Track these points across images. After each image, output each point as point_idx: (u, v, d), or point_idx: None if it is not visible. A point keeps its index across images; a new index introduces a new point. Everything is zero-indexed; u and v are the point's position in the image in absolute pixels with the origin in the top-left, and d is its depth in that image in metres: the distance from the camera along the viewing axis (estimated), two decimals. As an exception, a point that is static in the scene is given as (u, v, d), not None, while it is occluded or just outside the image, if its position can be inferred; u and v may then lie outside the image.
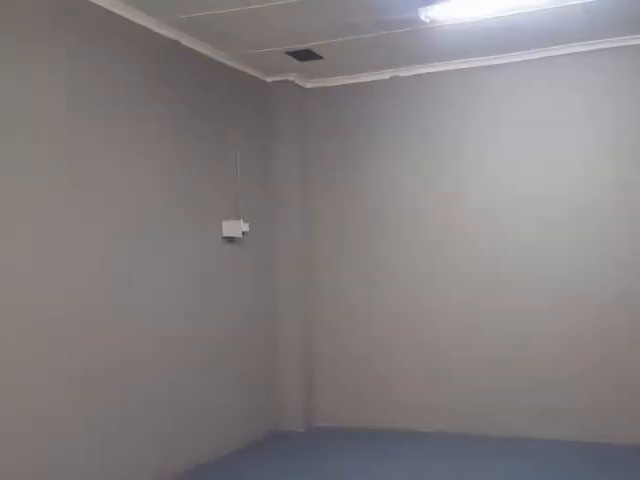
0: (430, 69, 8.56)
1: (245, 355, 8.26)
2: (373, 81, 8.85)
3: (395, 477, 6.86)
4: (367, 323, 8.87)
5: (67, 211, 5.74)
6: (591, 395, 7.81)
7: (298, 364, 8.86)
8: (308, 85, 9.09)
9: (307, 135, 9.14)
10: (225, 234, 7.88)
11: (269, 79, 8.83)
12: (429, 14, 6.68)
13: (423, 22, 6.88)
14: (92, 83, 6.06)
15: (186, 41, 7.30)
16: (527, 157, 8.16)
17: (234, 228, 7.96)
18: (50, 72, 5.64)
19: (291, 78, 8.77)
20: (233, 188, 8.11)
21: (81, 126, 5.92)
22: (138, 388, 6.47)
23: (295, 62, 8.26)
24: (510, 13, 6.86)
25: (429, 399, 8.55)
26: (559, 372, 7.95)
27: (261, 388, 8.59)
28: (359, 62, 8.43)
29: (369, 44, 7.71)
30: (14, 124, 5.30)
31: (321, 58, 8.15)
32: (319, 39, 7.55)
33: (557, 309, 7.98)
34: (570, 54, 7.97)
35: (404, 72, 8.68)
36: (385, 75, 8.77)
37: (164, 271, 6.91)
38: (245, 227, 8.09)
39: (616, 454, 7.31)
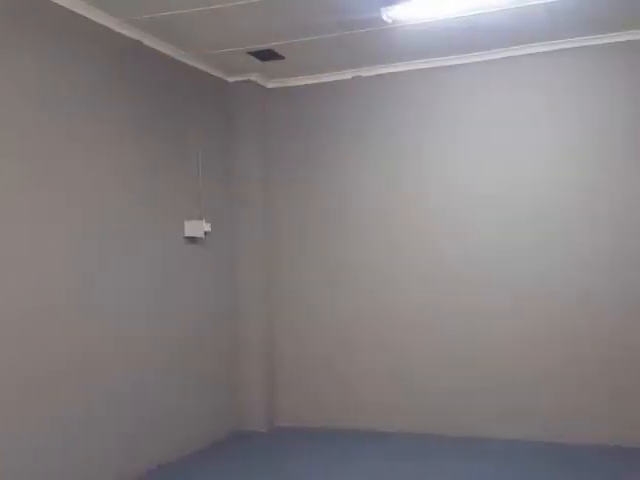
0: (392, 69, 8.60)
1: (207, 355, 8.30)
2: (335, 81, 8.88)
3: (356, 477, 6.93)
4: (329, 323, 8.92)
5: (29, 211, 5.77)
6: (553, 395, 7.88)
7: (260, 364, 8.90)
8: (270, 85, 9.12)
9: (269, 135, 9.16)
10: (187, 234, 7.92)
11: (231, 79, 8.87)
12: (391, 14, 6.72)
13: (385, 22, 6.93)
14: (54, 83, 6.10)
15: (148, 41, 7.33)
16: (488, 157, 8.20)
17: (196, 228, 8.00)
18: (12, 72, 5.66)
19: (253, 78, 8.80)
20: (195, 188, 8.15)
21: (43, 126, 5.95)
22: (101, 388, 6.52)
23: (257, 62, 8.29)
24: (471, 13, 6.91)
25: (391, 399, 8.59)
26: (520, 372, 8.01)
27: (223, 388, 8.63)
28: (321, 62, 8.46)
29: (331, 44, 7.74)
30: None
31: (283, 58, 8.18)
32: (281, 39, 7.58)
33: (518, 309, 8.04)
34: (532, 54, 8.02)
35: (366, 72, 8.72)
36: (347, 75, 8.80)
37: (126, 271, 6.95)
38: (207, 227, 8.13)
39: (578, 454, 7.38)
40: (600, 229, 7.73)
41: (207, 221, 8.16)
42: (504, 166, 8.14)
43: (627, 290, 7.62)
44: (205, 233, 8.15)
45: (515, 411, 8.03)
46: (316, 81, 8.98)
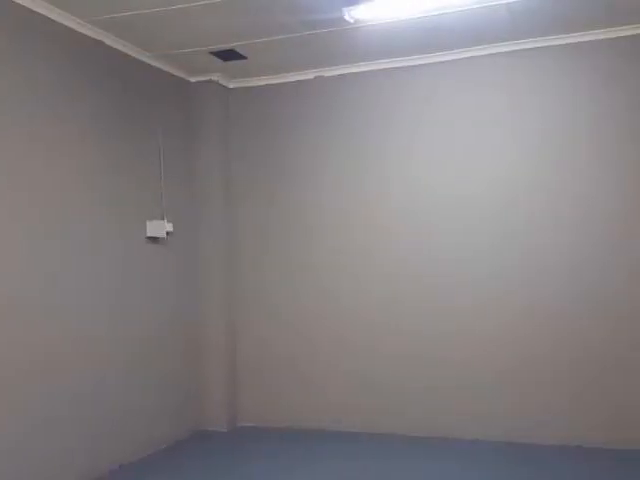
0: (354, 69, 8.62)
1: (169, 355, 8.35)
2: (297, 81, 8.91)
3: (318, 477, 6.97)
4: (291, 323, 8.96)
5: (-9, 211, 5.80)
6: (515, 396, 7.95)
7: (222, 364, 8.95)
8: (232, 85, 9.15)
9: (231, 135, 9.20)
10: (149, 234, 7.96)
11: (193, 79, 8.90)
12: (353, 14, 6.77)
13: (347, 22, 6.97)
14: (16, 83, 6.14)
15: (110, 41, 7.35)
16: (451, 157, 8.23)
17: (158, 228, 8.03)
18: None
19: (215, 78, 8.84)
20: (157, 188, 8.19)
21: (4, 126, 5.99)
22: (62, 388, 6.56)
23: (219, 62, 8.31)
24: (434, 13, 6.94)
25: (353, 399, 8.65)
26: (483, 372, 8.08)
27: (185, 388, 8.68)
28: (283, 62, 8.49)
29: (293, 44, 7.77)
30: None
31: (245, 58, 8.20)
32: (243, 39, 7.61)
33: (480, 309, 8.09)
34: (494, 54, 8.06)
35: (328, 72, 8.75)
36: (309, 75, 8.84)
37: (88, 271, 6.99)
38: (169, 227, 8.17)
39: (539, 454, 7.44)
40: (562, 229, 7.79)
41: (169, 221, 8.20)
42: (467, 166, 8.17)
43: (588, 290, 7.70)
44: (167, 233, 8.18)
45: (478, 411, 8.09)
46: (278, 81, 9.00)
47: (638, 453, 7.34)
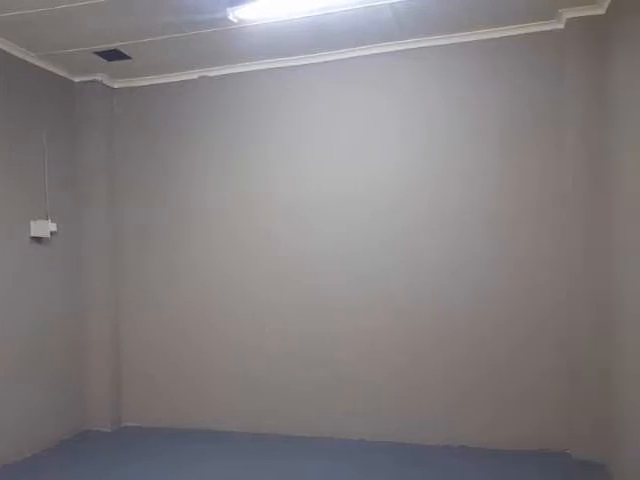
0: (239, 69, 8.75)
1: (54, 355, 8.43)
2: (182, 81, 9.03)
3: (202, 477, 7.12)
4: (175, 323, 9.11)
5: None
6: (399, 396, 8.13)
7: (107, 364, 9.06)
8: (116, 85, 9.28)
9: (115, 135, 9.31)
10: (33, 234, 8.03)
11: (77, 79, 9.00)
12: (237, 14, 6.91)
13: (231, 22, 7.14)
14: None
15: (-7, 41, 7.41)
16: (335, 158, 8.36)
17: (42, 228, 8.12)
18: None
19: (99, 78, 8.97)
20: (41, 188, 8.24)
21: None
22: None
23: (103, 62, 8.45)
24: (318, 13, 7.09)
25: (237, 399, 8.81)
26: (368, 373, 8.25)
27: (70, 388, 8.75)
28: (167, 62, 8.58)
29: (177, 44, 7.88)
30: None
31: (129, 58, 8.33)
32: (127, 39, 7.72)
33: (365, 309, 8.25)
34: (378, 54, 8.19)
35: (212, 72, 8.88)
36: (193, 75, 8.96)
37: (-28, 271, 7.01)
38: (53, 227, 8.28)
39: (423, 454, 7.62)
40: (446, 230, 7.96)
41: (53, 221, 8.30)
42: (351, 166, 8.31)
43: (471, 290, 7.89)
44: (51, 233, 8.28)
45: (364, 412, 8.27)
46: (163, 81, 9.12)
47: (519, 453, 7.60)
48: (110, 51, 8.09)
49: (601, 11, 7.16)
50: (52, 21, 7.05)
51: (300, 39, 7.91)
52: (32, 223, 8.05)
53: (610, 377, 7.02)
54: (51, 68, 8.50)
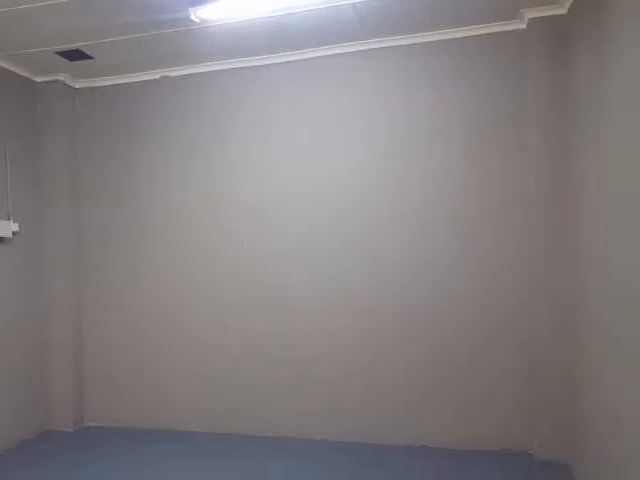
0: (201, 69, 8.78)
1: (16, 356, 8.46)
2: (143, 81, 9.05)
3: (164, 476, 7.16)
4: (138, 323, 9.14)
5: None
6: (361, 396, 8.19)
7: (69, 364, 9.07)
8: (78, 85, 9.29)
9: (77, 135, 9.32)
10: (-5, 234, 8.06)
11: (39, 79, 9.00)
12: (199, 14, 6.92)
13: (193, 22, 7.16)
14: None
15: (-47, 41, 7.41)
16: (297, 158, 8.40)
17: (4, 228, 8.13)
18: None
19: (61, 78, 8.98)
20: (3, 188, 8.26)
21: None
22: None
23: (65, 62, 8.44)
24: (280, 13, 7.13)
25: (200, 399, 8.86)
26: (330, 373, 8.31)
27: (32, 388, 8.78)
28: (129, 62, 8.59)
29: (139, 44, 7.90)
30: None
31: (91, 58, 8.34)
32: (89, 39, 7.72)
33: (326, 309, 8.30)
34: (340, 54, 8.23)
35: (174, 72, 8.90)
36: (155, 75, 8.98)
37: None
38: (15, 227, 8.30)
39: (385, 454, 7.68)
40: (408, 230, 8.00)
41: (15, 221, 8.33)
42: (313, 166, 8.35)
43: (432, 290, 7.93)
44: (13, 233, 8.31)
45: (326, 412, 8.33)
46: (125, 81, 9.14)
47: (481, 453, 7.67)
48: (72, 51, 8.09)
49: (563, 11, 7.24)
50: (13, 21, 7.05)
51: (262, 39, 7.95)
52: (-6, 223, 8.07)
53: (572, 377, 7.11)
54: (13, 68, 8.52)
